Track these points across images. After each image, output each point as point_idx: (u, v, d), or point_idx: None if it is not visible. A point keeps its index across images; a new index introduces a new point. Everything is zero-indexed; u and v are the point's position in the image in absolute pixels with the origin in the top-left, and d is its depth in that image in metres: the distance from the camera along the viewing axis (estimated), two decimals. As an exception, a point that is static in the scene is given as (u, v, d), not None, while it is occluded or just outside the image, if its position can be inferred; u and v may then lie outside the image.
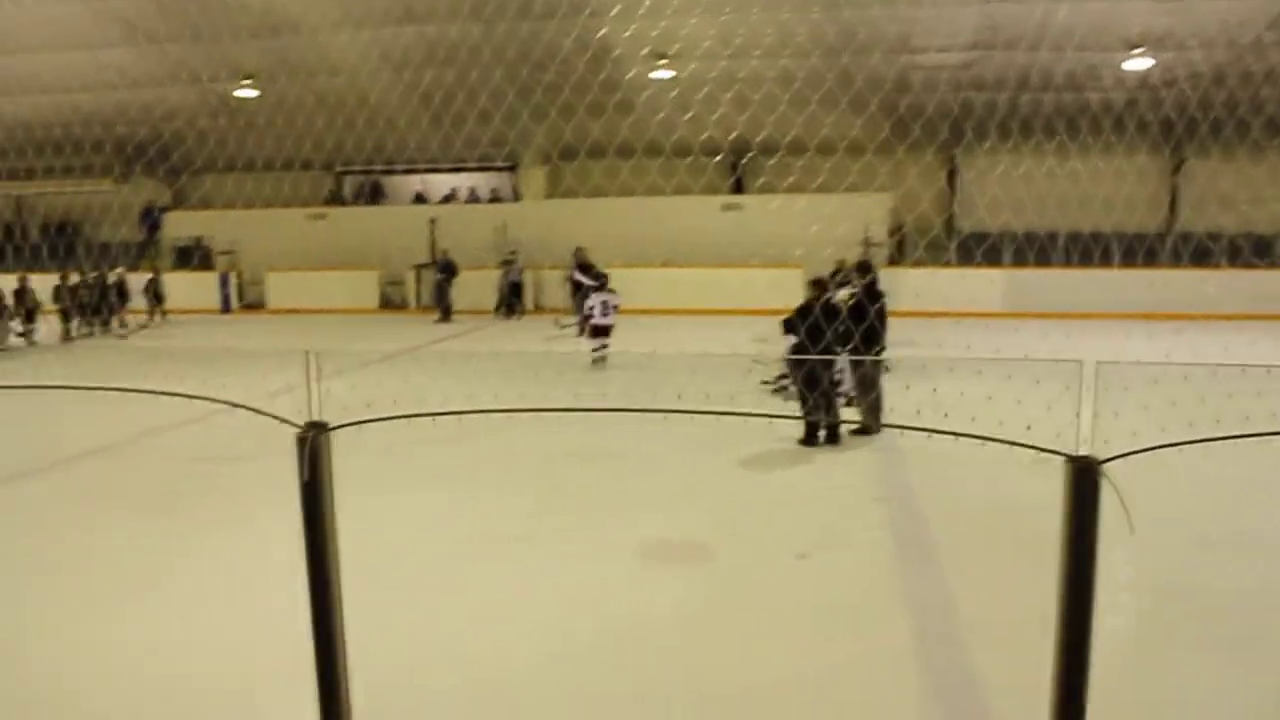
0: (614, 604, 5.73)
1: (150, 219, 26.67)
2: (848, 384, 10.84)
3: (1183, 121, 15.88)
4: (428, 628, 5.35)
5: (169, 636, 5.29)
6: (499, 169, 26.08)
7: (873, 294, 10.03)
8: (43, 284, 19.67)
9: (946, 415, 4.27)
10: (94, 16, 18.28)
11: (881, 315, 9.90)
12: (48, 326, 19.04)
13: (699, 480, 8.45)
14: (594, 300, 14.81)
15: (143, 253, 25.04)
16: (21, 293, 18.86)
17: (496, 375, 6.07)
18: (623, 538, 6.82)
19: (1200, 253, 17.32)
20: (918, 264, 19.88)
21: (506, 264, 23.14)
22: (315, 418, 3.02)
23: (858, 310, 9.51)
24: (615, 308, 14.77)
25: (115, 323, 21.35)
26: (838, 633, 5.27)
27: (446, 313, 22.43)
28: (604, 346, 14.54)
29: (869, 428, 9.85)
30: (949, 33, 18.08)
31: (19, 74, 19.32)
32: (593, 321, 14.75)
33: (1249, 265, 18.53)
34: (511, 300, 23.17)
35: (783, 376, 12.25)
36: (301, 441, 2.93)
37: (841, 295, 10.36)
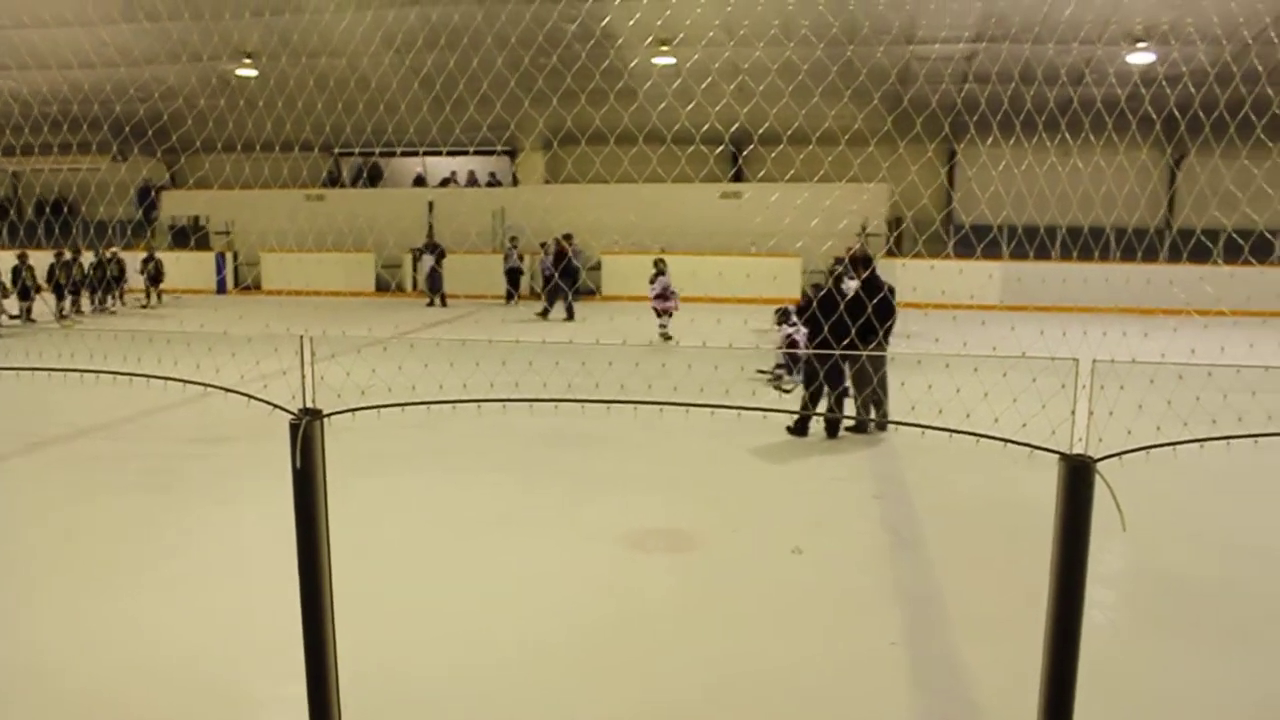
0: (604, 590, 5.74)
1: (146, 198, 26.58)
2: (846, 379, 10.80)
3: (1184, 117, 15.87)
4: (417, 610, 5.36)
5: (158, 613, 5.28)
6: (498, 153, 26.01)
7: (870, 287, 9.83)
8: (38, 262, 19.61)
9: (941, 411, 4.29)
10: (95, -7, 18.20)
11: (885, 308, 9.44)
12: (42, 305, 18.97)
13: (689, 469, 8.45)
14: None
15: (139, 232, 24.94)
16: (18, 270, 18.78)
17: (490, 361, 6.03)
18: (612, 523, 6.82)
19: (1199, 250, 17.30)
20: (916, 256, 19.83)
21: (510, 249, 23.12)
22: (310, 404, 3.00)
23: (855, 304, 9.40)
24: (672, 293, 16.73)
25: (110, 301, 21.30)
26: (828, 623, 5.27)
27: (440, 297, 22.39)
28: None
29: (862, 425, 9.81)
30: (954, 24, 18.01)
31: (18, 50, 19.15)
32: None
33: (1247, 263, 18.48)
34: (510, 288, 23.16)
35: (779, 367, 12.26)
36: (295, 428, 2.92)
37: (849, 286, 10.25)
